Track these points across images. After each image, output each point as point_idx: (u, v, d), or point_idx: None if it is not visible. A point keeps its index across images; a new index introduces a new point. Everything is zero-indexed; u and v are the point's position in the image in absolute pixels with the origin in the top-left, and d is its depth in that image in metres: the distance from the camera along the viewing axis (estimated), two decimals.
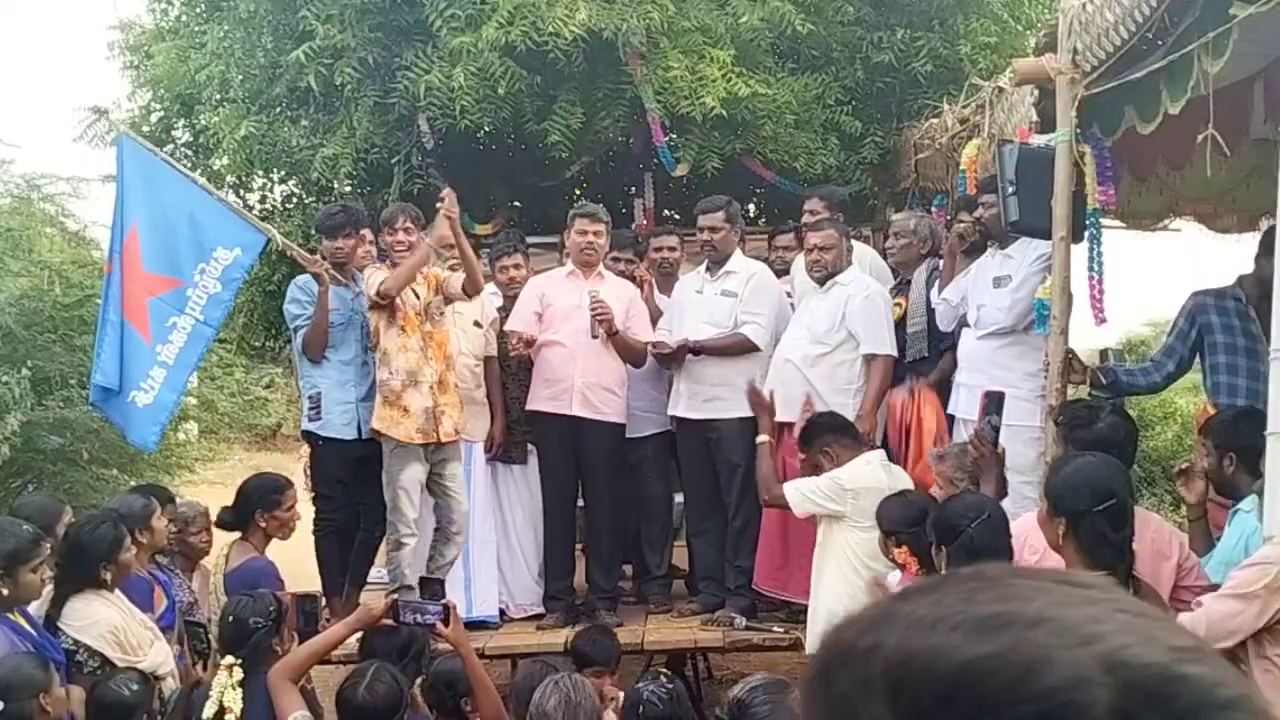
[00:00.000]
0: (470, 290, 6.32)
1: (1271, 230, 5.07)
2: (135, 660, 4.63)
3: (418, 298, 6.26)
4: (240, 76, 8.56)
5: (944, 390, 6.20)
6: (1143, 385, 5.79)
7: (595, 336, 6.51)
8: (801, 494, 5.33)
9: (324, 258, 6.49)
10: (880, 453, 5.61)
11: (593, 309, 6.47)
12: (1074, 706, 0.69)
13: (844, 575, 5.19)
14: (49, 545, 4.60)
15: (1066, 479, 3.67)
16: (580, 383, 6.56)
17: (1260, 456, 3.91)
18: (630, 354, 6.68)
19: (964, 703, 0.72)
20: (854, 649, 0.78)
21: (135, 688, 4.34)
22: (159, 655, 4.77)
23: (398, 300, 6.18)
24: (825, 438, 5.46)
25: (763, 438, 5.71)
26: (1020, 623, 0.74)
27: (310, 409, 6.51)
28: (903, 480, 5.34)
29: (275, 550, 5.91)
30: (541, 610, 6.81)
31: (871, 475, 5.27)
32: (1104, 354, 10.78)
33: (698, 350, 6.54)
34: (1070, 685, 0.70)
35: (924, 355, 6.39)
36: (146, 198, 6.49)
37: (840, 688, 0.78)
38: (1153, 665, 0.71)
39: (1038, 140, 5.21)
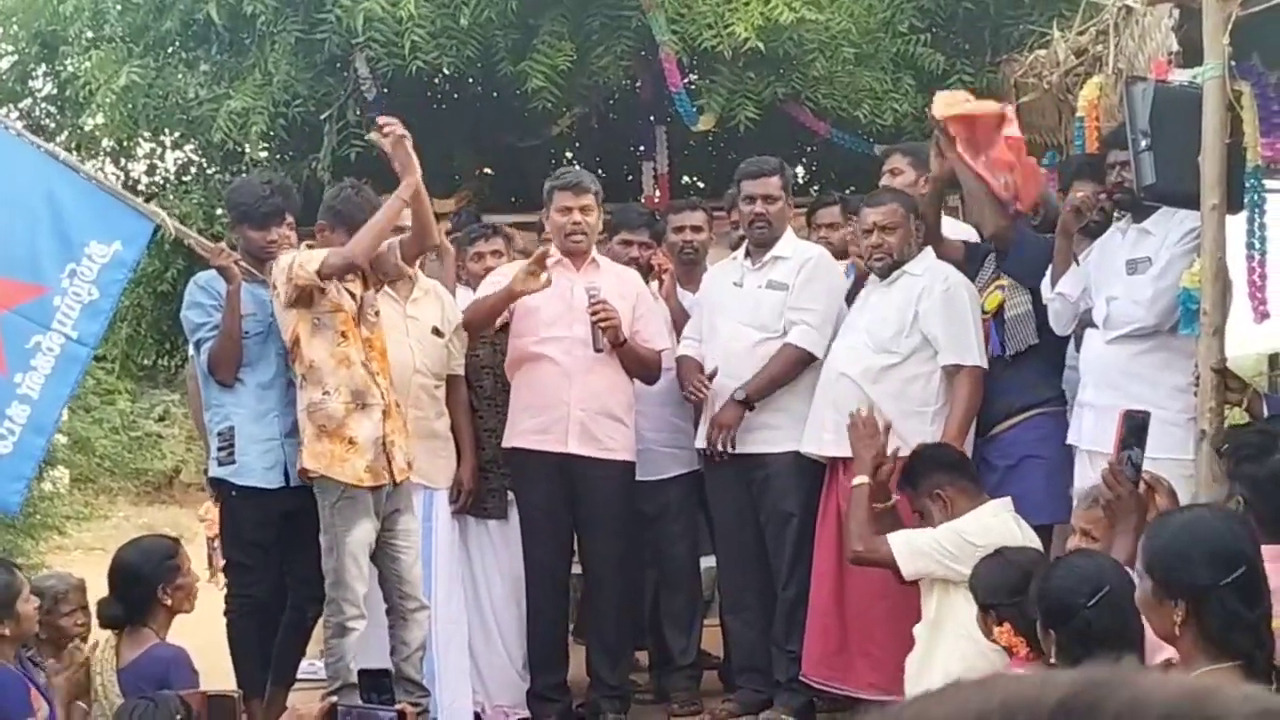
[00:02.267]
0: (411, 252, 6.30)
1: None
2: None
3: (352, 295, 6.23)
4: (119, 8, 8.59)
5: None
6: None
7: (599, 349, 6.46)
8: (914, 548, 5.31)
9: (241, 249, 6.48)
10: (1008, 501, 5.57)
11: (592, 312, 6.43)
12: None
13: (965, 660, 5.12)
14: None
15: (1175, 546, 3.56)
16: (578, 410, 6.51)
17: None
18: (640, 367, 6.66)
19: None
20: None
21: None
22: None
23: (332, 292, 6.12)
24: (937, 477, 5.45)
25: (861, 479, 5.69)
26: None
27: (220, 449, 6.42)
28: (1035, 541, 5.33)
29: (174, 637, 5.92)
30: (526, 714, 6.79)
31: (1003, 530, 5.25)
32: (1275, 360, 10.78)
33: (750, 403, 6.46)
34: None
35: (1033, 343, 6.37)
36: None
37: None
38: None
39: (1179, 77, 5.21)
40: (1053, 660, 4.08)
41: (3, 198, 6.42)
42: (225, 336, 6.30)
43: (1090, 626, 3.89)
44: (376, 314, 6.32)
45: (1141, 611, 3.64)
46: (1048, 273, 6.22)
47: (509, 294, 6.48)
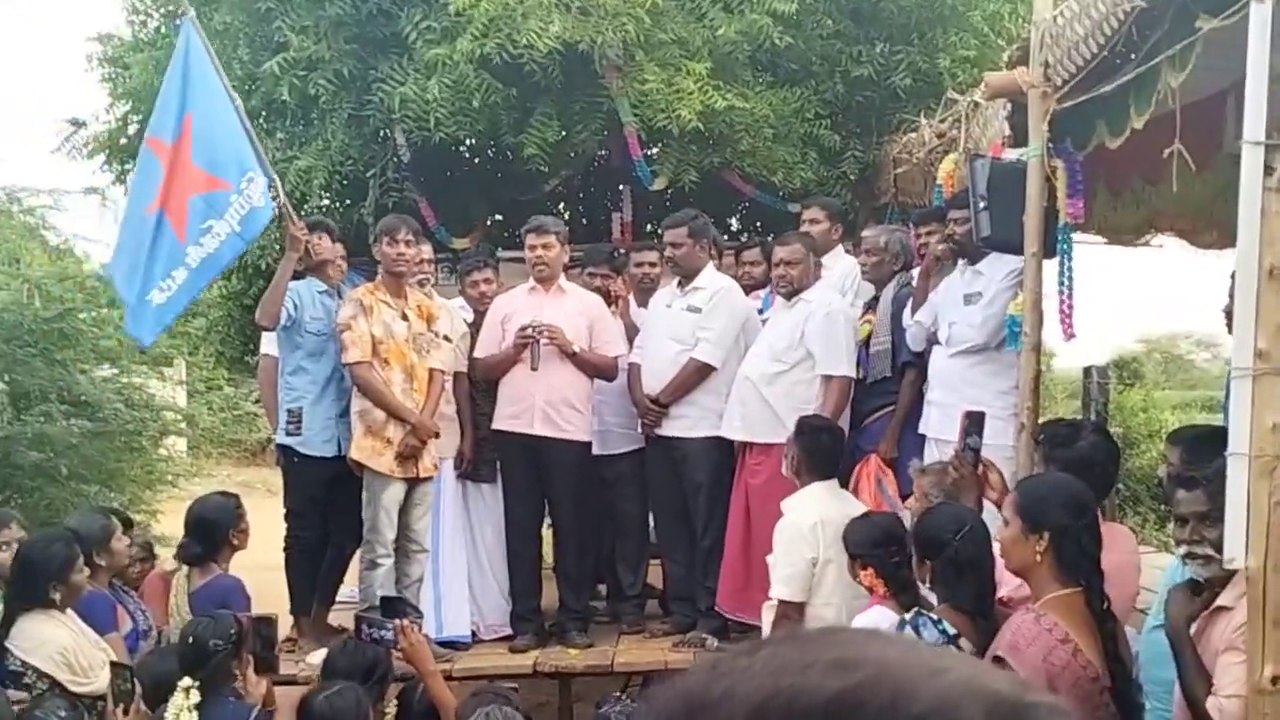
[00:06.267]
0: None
1: None
2: (85, 682, 4.54)
3: (408, 326, 6.14)
4: None
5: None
6: None
7: (534, 369, 6.35)
8: (785, 582, 5.17)
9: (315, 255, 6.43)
10: (834, 482, 5.46)
11: (519, 339, 6.37)
12: None
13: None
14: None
15: (1047, 495, 3.57)
16: (542, 400, 6.40)
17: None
18: (596, 371, 6.56)
19: None
20: (706, 699, 0.75)
21: (63, 715, 4.23)
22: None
23: (379, 332, 6.07)
24: (803, 455, 5.36)
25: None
26: (870, 661, 0.73)
27: (289, 422, 6.32)
28: (856, 507, 5.24)
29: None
30: (510, 631, 6.68)
31: (820, 505, 5.21)
32: (1088, 371, 10.68)
33: (664, 403, 6.43)
34: (942, 708, 0.69)
35: (886, 375, 6.25)
36: (203, 92, 6.23)
37: None
38: (1006, 693, 0.72)
39: (1010, 155, 5.13)
40: (929, 586, 4.04)
41: (209, 109, 6.21)
42: (274, 288, 6.17)
43: (958, 555, 3.82)
44: (428, 350, 6.28)
45: (1004, 547, 3.61)
46: (910, 301, 6.14)
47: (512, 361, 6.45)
